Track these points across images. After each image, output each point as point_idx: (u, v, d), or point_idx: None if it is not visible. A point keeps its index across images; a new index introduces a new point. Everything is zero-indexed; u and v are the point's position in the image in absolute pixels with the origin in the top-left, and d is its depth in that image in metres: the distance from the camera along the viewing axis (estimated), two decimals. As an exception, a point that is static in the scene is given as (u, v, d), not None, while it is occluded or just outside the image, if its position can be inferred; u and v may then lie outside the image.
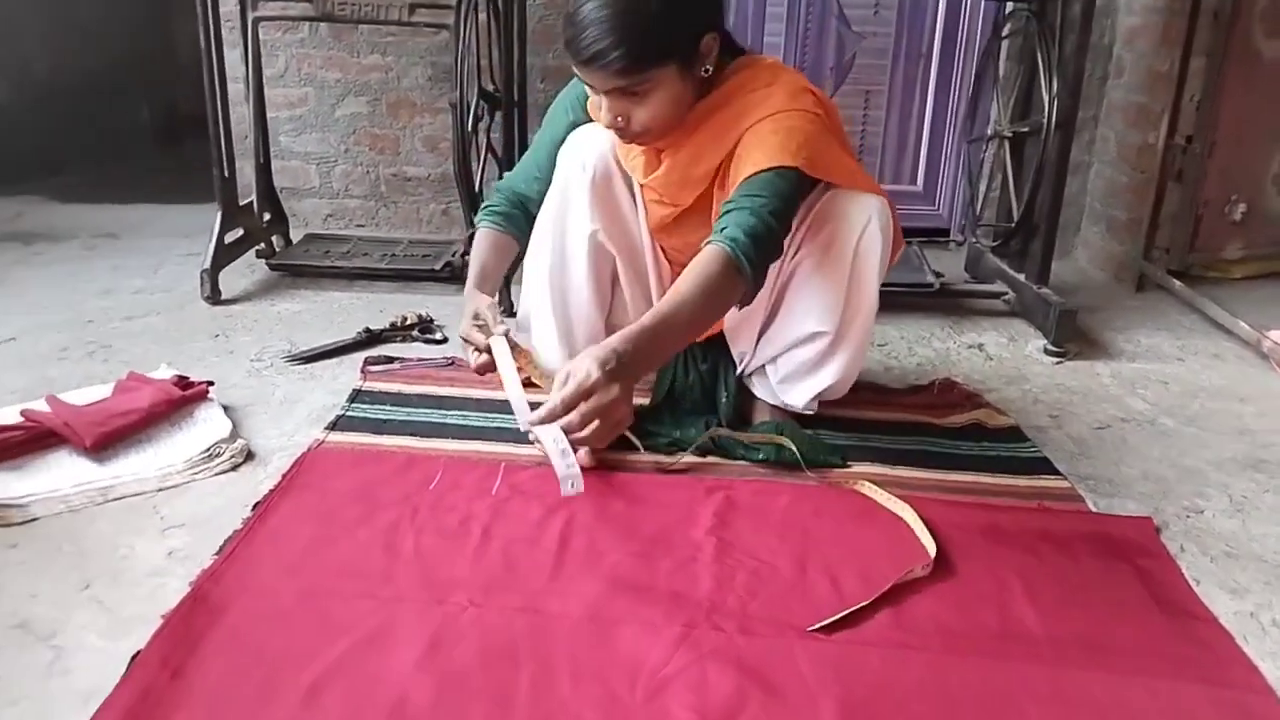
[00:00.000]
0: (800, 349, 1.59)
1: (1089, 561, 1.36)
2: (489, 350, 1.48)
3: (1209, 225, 2.72)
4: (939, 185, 3.05)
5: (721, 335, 1.73)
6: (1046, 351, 2.16)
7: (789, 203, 1.40)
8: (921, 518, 1.40)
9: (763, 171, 1.38)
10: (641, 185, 1.59)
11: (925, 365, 2.09)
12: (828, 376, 1.59)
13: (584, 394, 1.24)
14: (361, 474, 1.51)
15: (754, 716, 1.05)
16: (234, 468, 1.53)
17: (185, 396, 1.64)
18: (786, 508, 1.46)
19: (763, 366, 1.68)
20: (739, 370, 1.73)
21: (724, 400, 1.72)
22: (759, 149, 1.40)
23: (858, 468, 1.59)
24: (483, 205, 1.69)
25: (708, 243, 1.36)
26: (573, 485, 1.28)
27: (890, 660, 1.14)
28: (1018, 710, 1.07)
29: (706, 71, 1.43)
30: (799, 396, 1.64)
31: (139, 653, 1.10)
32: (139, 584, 1.25)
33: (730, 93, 1.46)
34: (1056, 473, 1.61)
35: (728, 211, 1.37)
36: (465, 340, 1.52)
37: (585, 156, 1.56)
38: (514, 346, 1.50)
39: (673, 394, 1.75)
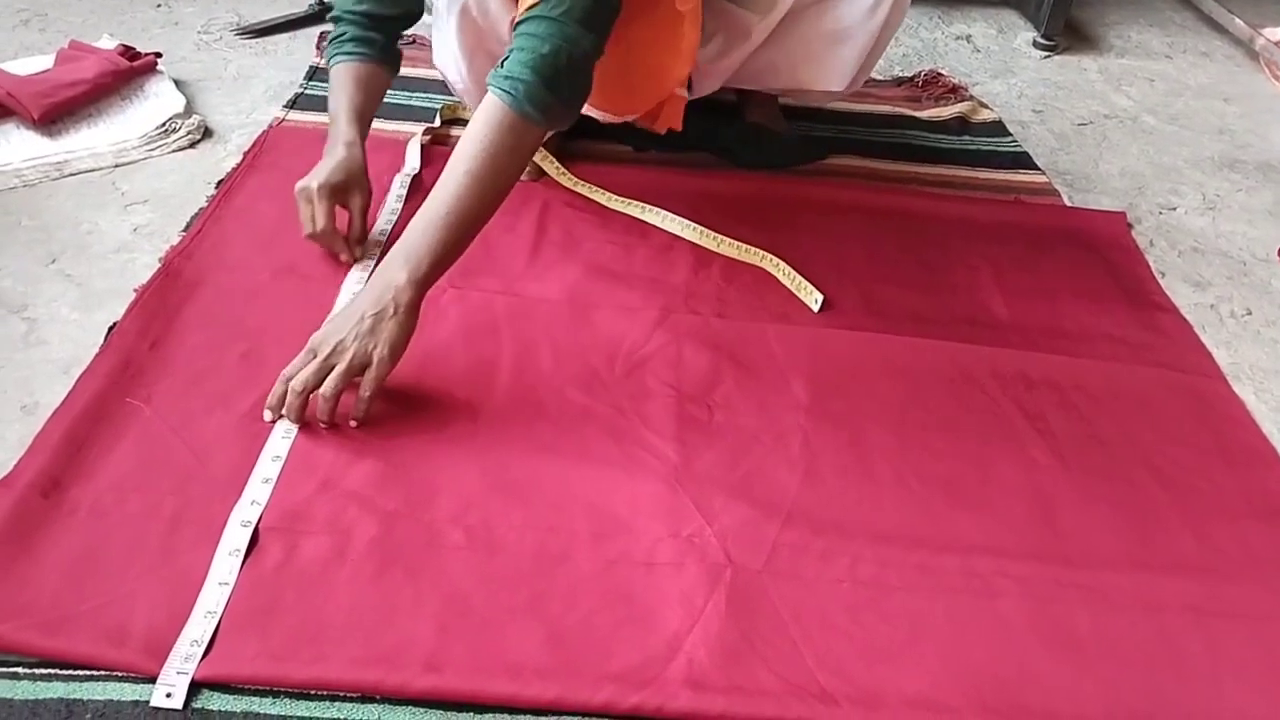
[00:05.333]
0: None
1: (1060, 254, 1.38)
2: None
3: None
4: None
5: None
6: (1036, 44, 2.08)
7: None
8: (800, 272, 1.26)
9: None
10: None
11: (911, 56, 2.01)
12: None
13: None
14: (327, 154, 1.45)
15: (728, 391, 1.08)
16: (192, 144, 1.46)
17: (133, 68, 1.54)
18: (760, 197, 1.44)
19: None
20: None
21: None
22: None
23: (837, 160, 1.56)
24: (327, 39, 1.32)
25: (490, 82, 1.04)
26: None
27: (859, 342, 1.17)
28: (979, 387, 1.12)
29: None
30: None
31: (115, 324, 1.09)
32: (106, 259, 1.23)
33: None
34: (1035, 168, 1.60)
35: (521, 22, 1.03)
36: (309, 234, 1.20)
37: None
38: None
39: None
